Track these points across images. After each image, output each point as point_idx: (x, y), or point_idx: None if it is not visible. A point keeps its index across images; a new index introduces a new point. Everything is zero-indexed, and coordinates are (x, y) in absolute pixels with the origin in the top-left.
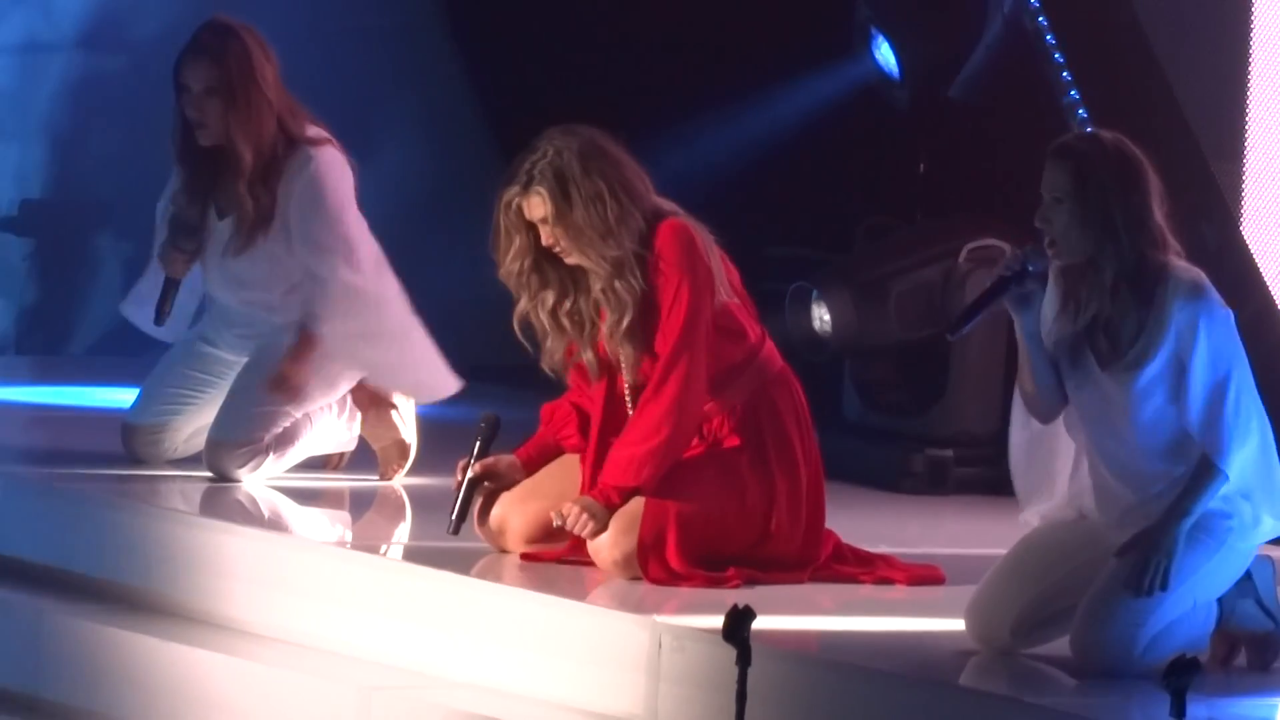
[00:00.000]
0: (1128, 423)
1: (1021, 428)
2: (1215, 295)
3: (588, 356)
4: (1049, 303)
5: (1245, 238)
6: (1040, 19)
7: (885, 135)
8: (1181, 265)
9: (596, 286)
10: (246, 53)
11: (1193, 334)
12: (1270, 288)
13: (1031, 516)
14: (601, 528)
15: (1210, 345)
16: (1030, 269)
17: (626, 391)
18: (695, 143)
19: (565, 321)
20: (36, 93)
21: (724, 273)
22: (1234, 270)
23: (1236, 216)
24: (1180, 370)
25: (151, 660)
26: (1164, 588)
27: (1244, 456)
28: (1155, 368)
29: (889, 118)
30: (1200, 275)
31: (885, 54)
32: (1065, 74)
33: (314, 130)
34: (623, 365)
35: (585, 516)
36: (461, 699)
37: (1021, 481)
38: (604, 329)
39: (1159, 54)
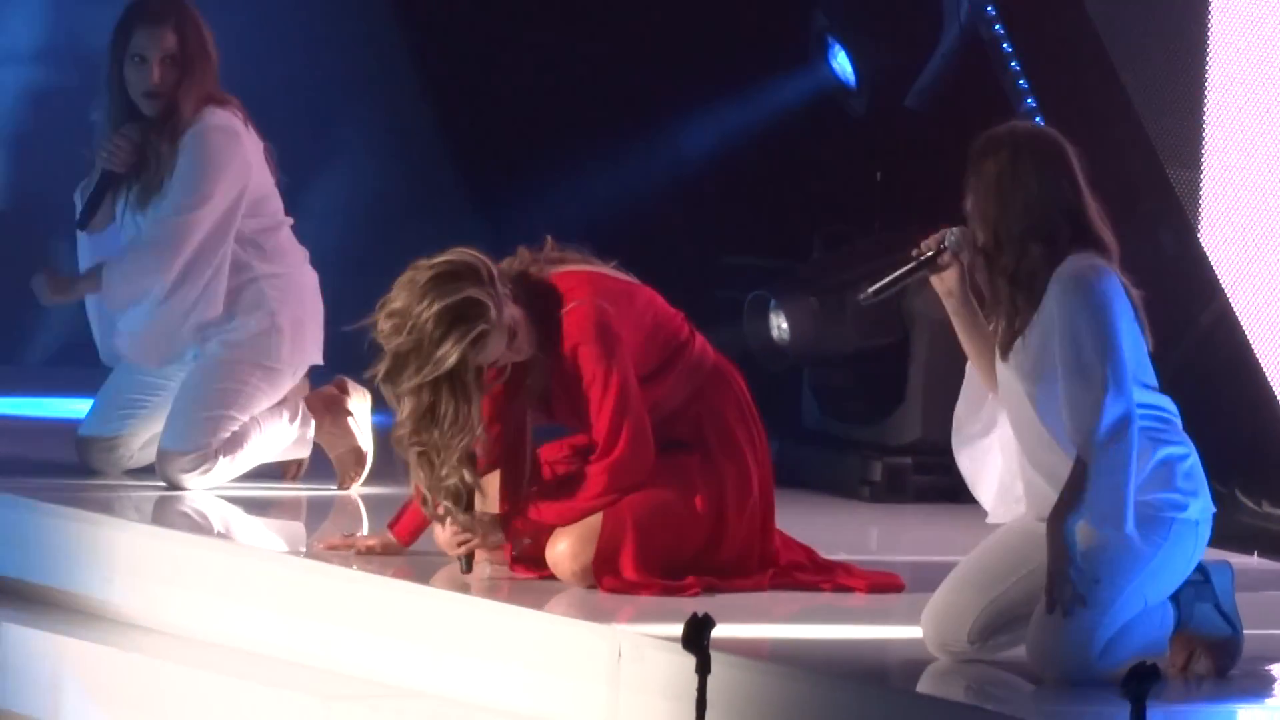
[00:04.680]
0: (1030, 413)
1: (957, 431)
2: (1089, 281)
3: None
4: None
5: (1203, 245)
6: (997, 27)
7: (842, 143)
8: (1076, 258)
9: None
10: (197, 23)
11: (1059, 318)
12: (1228, 295)
13: (999, 517)
14: (495, 544)
15: (1063, 328)
16: (946, 248)
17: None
18: (652, 151)
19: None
20: None
21: (639, 311)
22: (1192, 278)
23: (1194, 224)
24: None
25: (110, 671)
26: (1083, 604)
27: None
28: (1035, 358)
29: (846, 126)
30: (1088, 264)
31: (842, 62)
32: (1022, 82)
33: (223, 96)
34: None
35: (476, 532)
36: (421, 709)
37: (977, 486)
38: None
39: (1116, 62)
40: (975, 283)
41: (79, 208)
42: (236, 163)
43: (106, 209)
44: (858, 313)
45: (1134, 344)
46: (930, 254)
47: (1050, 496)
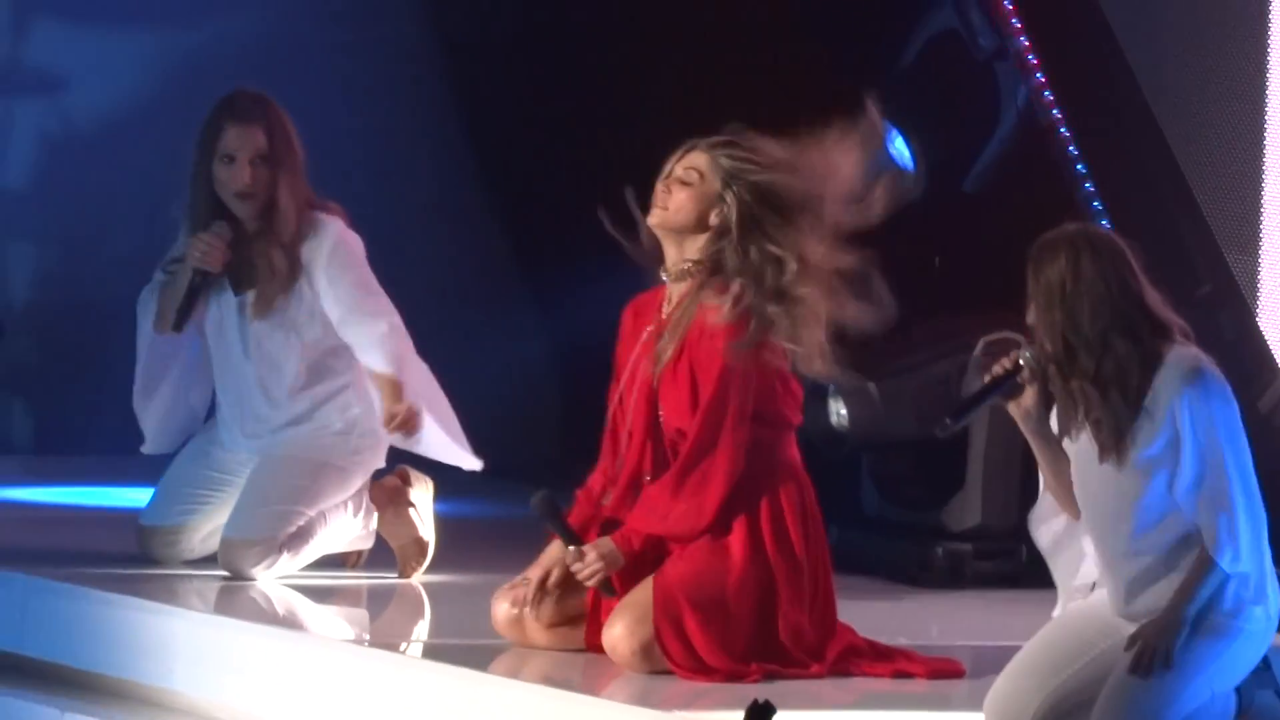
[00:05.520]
0: (1127, 511)
1: (1041, 523)
2: (1214, 379)
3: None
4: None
5: (1261, 327)
6: (1055, 112)
7: (900, 228)
8: (1180, 349)
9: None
10: (285, 120)
11: (1187, 421)
12: None
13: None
14: (608, 570)
15: (1204, 434)
16: (1022, 366)
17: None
18: None
19: None
20: (52, 194)
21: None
22: (1251, 360)
23: (1253, 307)
24: (1176, 457)
25: None
26: (1167, 665)
27: (1243, 546)
28: (1150, 454)
29: (903, 210)
30: (1197, 358)
31: (899, 147)
32: (1080, 166)
33: (323, 202)
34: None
35: (595, 557)
36: None
37: (1058, 574)
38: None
39: (1174, 145)
40: (1057, 389)
41: (146, 311)
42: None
43: (199, 310)
44: (917, 399)
45: None
46: (1006, 374)
47: (1128, 587)
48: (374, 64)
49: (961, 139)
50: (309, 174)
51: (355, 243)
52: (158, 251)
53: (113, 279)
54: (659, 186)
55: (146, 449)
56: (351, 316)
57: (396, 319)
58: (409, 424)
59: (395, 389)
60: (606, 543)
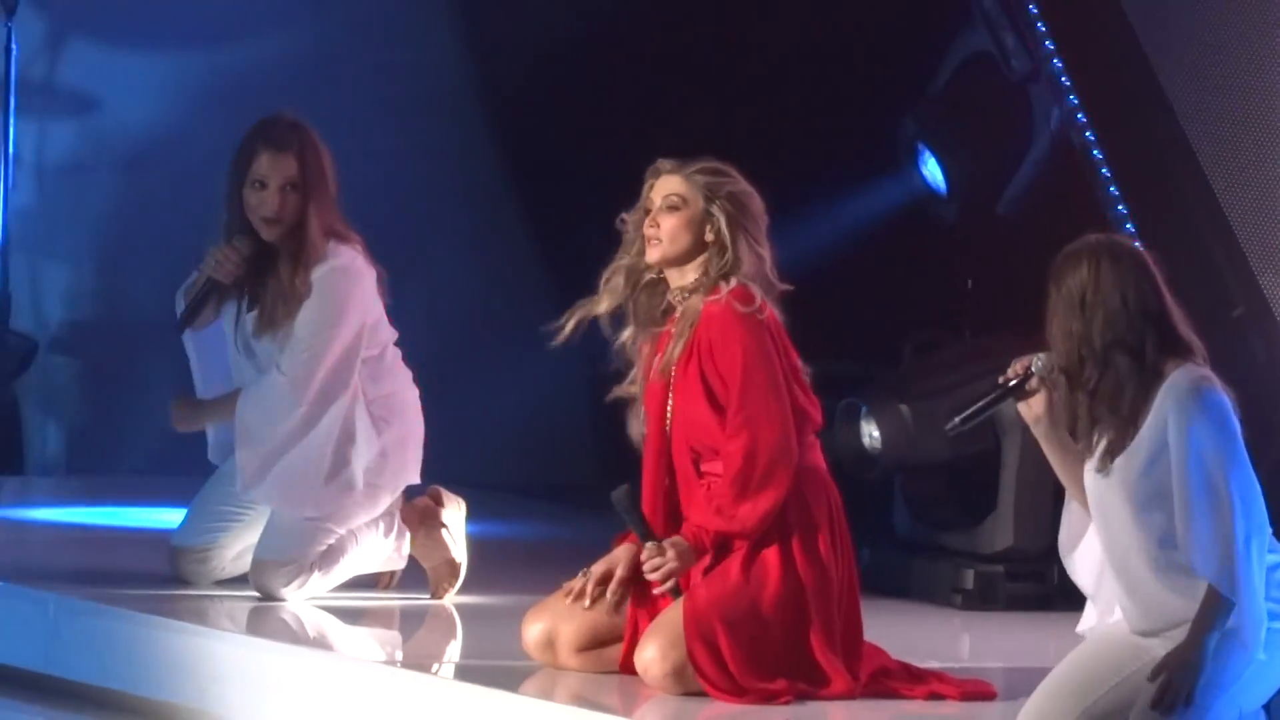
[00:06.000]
0: (1125, 529)
1: (1070, 549)
2: (1210, 400)
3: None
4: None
5: None
6: (1088, 134)
7: (932, 251)
8: (1184, 369)
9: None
10: (318, 150)
11: (1174, 441)
12: None
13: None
14: (682, 569)
15: (1191, 456)
16: (1034, 374)
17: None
18: None
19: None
20: (85, 214)
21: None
22: None
23: None
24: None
25: None
26: (1189, 704)
27: (1240, 571)
28: (1148, 472)
29: (936, 233)
30: (1200, 379)
31: (932, 169)
32: (1113, 188)
33: (347, 232)
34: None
35: (674, 554)
36: None
37: (1090, 590)
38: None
39: (1206, 168)
40: (1067, 399)
41: (179, 308)
42: (356, 302)
43: (206, 315)
44: (949, 421)
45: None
46: (1016, 380)
47: (1132, 612)
48: (409, 86)
49: (995, 161)
50: (344, 196)
51: (356, 273)
52: (187, 272)
53: (146, 299)
54: (644, 223)
55: (210, 457)
56: (287, 358)
57: (312, 358)
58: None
59: (225, 414)
60: (681, 541)
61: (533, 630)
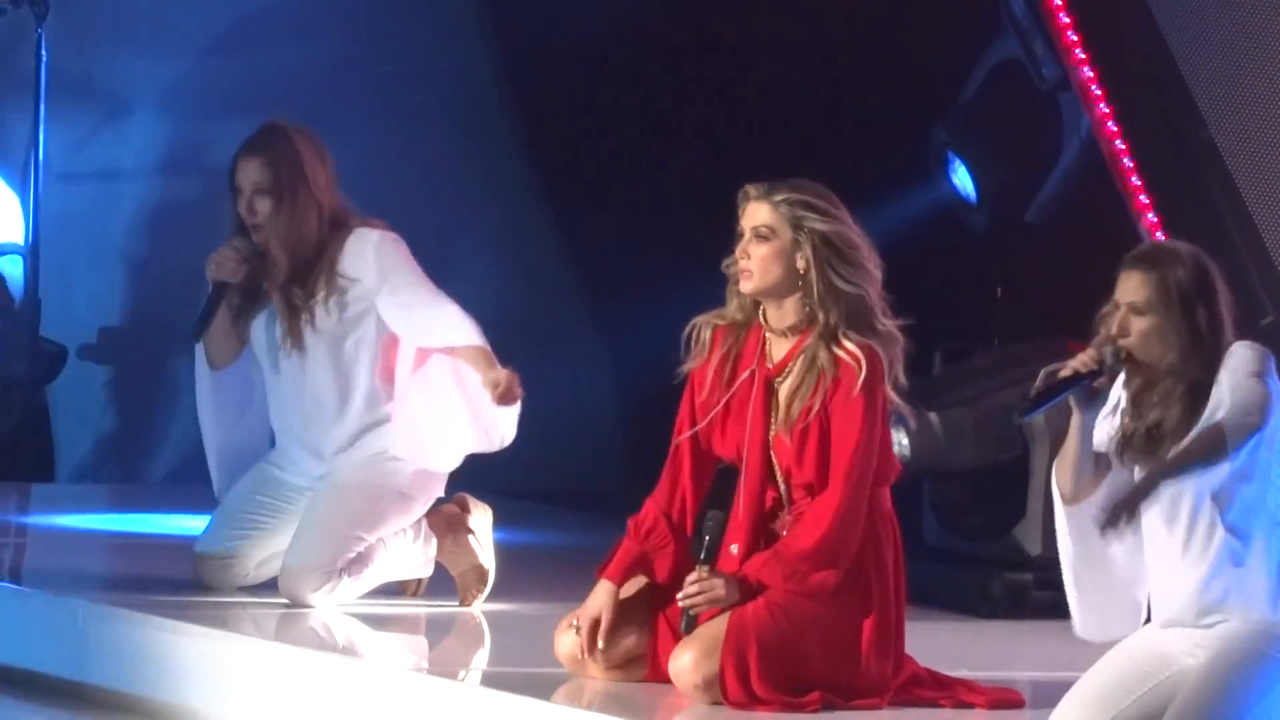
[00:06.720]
0: (1179, 511)
1: (1074, 543)
2: (1263, 351)
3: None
4: (1110, 403)
5: None
6: (1118, 142)
7: (962, 258)
8: (1241, 342)
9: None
10: (297, 154)
11: (1225, 376)
12: None
13: (1089, 632)
14: (726, 604)
15: (1239, 378)
16: (1104, 369)
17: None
18: None
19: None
20: (113, 220)
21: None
22: None
23: None
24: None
25: None
26: (1129, 521)
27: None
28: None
29: (966, 241)
30: (1253, 343)
31: (962, 177)
32: (1143, 197)
33: (364, 218)
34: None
35: (721, 585)
36: None
37: (1077, 595)
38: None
39: (1235, 174)
40: (1140, 397)
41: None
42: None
43: (219, 319)
44: (978, 429)
45: None
46: (1092, 372)
47: (1175, 599)
48: (437, 91)
49: (1025, 169)
50: (370, 202)
51: (397, 241)
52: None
53: (176, 307)
54: (738, 254)
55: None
56: (418, 303)
57: (434, 293)
58: (511, 391)
59: (487, 358)
60: (734, 581)
61: (565, 641)
